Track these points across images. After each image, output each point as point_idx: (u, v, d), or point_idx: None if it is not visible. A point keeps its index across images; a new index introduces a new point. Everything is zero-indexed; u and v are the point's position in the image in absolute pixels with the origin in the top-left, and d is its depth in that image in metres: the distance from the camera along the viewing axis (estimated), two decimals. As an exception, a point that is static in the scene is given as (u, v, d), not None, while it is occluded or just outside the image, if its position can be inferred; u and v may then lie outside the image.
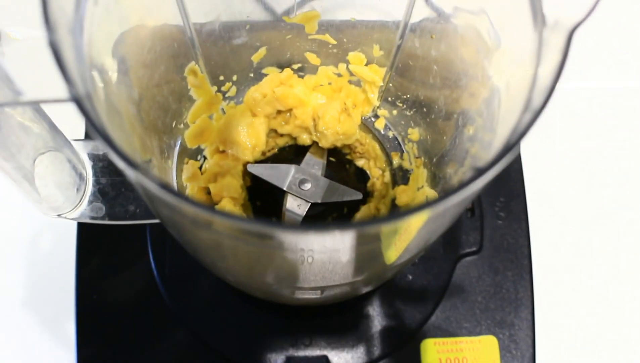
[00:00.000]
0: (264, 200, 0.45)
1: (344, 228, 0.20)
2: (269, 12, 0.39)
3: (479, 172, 0.21)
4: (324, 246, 0.22)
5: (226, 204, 0.39)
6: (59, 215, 0.37)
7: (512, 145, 0.21)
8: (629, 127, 0.53)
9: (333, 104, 0.41)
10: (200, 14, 0.36)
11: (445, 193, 0.20)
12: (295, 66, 0.42)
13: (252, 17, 0.38)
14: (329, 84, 0.43)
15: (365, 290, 0.39)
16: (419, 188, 0.41)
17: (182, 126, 0.39)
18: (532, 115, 0.21)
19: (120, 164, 0.21)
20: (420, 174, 0.41)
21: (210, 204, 0.41)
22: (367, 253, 0.26)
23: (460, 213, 0.45)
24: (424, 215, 0.21)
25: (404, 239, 0.25)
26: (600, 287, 0.48)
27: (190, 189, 0.40)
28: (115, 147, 0.20)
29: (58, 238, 0.49)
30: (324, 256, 0.25)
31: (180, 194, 0.20)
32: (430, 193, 0.38)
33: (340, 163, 0.46)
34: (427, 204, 0.20)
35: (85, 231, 0.44)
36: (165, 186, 0.20)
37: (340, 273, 0.29)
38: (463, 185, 0.21)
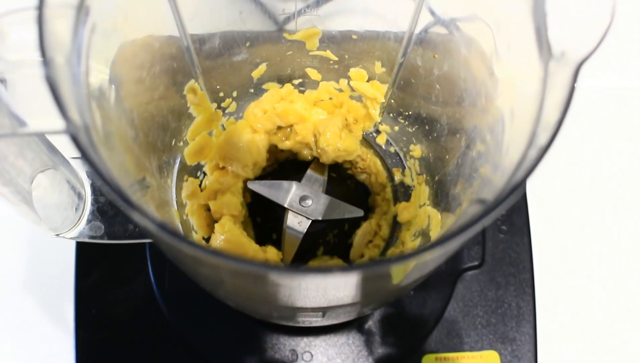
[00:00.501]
0: (264, 216, 0.44)
1: (345, 271, 0.20)
2: (269, 22, 0.38)
3: (485, 211, 0.20)
4: (325, 284, 0.22)
5: (226, 222, 0.39)
6: (57, 235, 0.37)
7: (517, 184, 0.21)
8: (635, 133, 0.53)
9: (334, 120, 0.41)
10: (197, 26, 0.35)
11: (447, 235, 0.20)
12: (296, 81, 0.42)
13: (253, 28, 0.38)
14: (330, 99, 0.42)
15: (369, 311, 0.39)
16: (421, 205, 0.41)
17: (181, 143, 0.39)
18: (538, 152, 0.21)
19: (120, 203, 0.20)
20: (422, 192, 0.41)
21: (210, 222, 0.41)
22: (371, 286, 0.25)
23: (465, 244, 0.45)
24: (426, 256, 0.21)
25: (408, 272, 0.25)
26: (604, 302, 0.48)
27: (190, 207, 0.40)
28: (114, 186, 0.20)
29: (58, 249, 0.48)
30: (326, 289, 0.25)
31: (178, 235, 0.19)
32: (432, 212, 0.38)
33: (341, 178, 0.45)
34: (431, 245, 0.20)
35: (84, 245, 0.44)
36: (164, 227, 0.20)
37: (342, 299, 0.29)
38: (468, 226, 0.20)
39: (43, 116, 0.25)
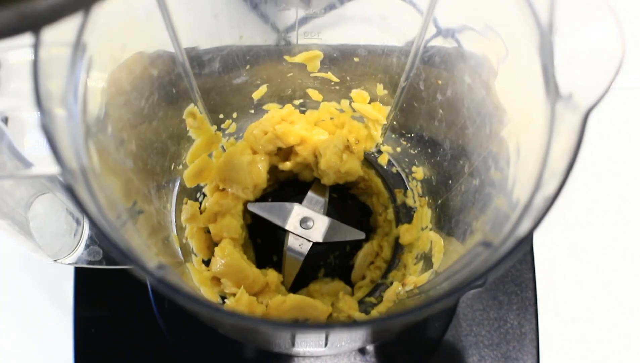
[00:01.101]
0: (265, 237, 0.44)
1: (346, 327, 0.19)
2: (270, 33, 0.37)
3: (489, 267, 0.20)
4: (329, 334, 0.22)
5: (226, 246, 0.38)
6: (55, 260, 0.37)
7: (523, 238, 0.20)
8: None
9: (335, 141, 0.40)
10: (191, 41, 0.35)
11: (453, 290, 0.20)
12: (297, 102, 0.41)
13: (253, 40, 0.37)
14: (331, 119, 0.42)
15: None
16: (423, 228, 0.40)
17: (180, 167, 0.38)
18: (546, 202, 0.21)
19: (117, 256, 0.20)
20: (424, 214, 0.40)
21: (210, 245, 0.41)
22: (375, 333, 0.25)
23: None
24: (432, 309, 0.20)
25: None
26: (608, 322, 0.47)
27: (190, 230, 0.39)
28: (114, 243, 0.19)
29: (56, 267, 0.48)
30: (329, 337, 0.24)
31: (179, 290, 0.19)
32: (435, 237, 0.37)
33: (342, 199, 0.45)
34: (438, 299, 0.20)
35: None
36: (164, 282, 0.19)
37: (344, 343, 0.29)
38: (472, 280, 0.20)
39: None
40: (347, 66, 0.38)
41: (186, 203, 0.39)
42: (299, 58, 0.37)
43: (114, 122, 0.28)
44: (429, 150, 0.38)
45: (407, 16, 0.33)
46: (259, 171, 0.40)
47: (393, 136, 0.41)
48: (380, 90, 0.38)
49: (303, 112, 0.42)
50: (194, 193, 0.41)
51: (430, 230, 0.39)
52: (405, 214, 0.43)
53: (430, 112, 0.36)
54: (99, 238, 0.20)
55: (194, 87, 0.35)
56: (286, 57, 0.37)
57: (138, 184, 0.32)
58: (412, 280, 0.37)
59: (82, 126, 0.24)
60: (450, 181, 0.36)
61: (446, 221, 0.37)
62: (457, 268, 0.28)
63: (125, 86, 0.29)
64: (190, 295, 0.19)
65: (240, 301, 0.36)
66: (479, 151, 0.32)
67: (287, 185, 0.45)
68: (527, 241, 0.20)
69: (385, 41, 0.36)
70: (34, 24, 0.16)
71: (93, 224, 0.19)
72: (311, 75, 0.39)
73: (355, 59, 0.37)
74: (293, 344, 0.29)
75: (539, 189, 0.22)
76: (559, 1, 0.22)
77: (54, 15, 0.16)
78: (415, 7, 0.32)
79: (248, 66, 0.37)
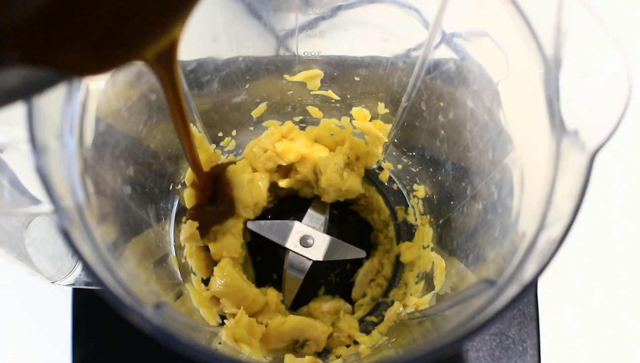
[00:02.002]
0: (265, 254, 0.43)
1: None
2: (270, 39, 0.37)
3: (492, 317, 0.19)
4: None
5: (225, 266, 0.38)
6: (53, 282, 0.36)
7: (528, 285, 0.20)
8: None
9: (335, 159, 0.40)
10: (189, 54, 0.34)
11: (456, 338, 0.19)
12: (297, 118, 0.41)
13: (253, 52, 0.36)
14: (332, 135, 0.41)
15: None
16: (425, 246, 0.40)
17: (179, 186, 0.38)
18: (551, 246, 0.20)
19: (113, 304, 0.19)
20: (425, 233, 0.40)
21: (209, 263, 0.40)
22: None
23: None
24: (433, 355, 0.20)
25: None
26: (609, 337, 0.47)
27: (189, 249, 0.39)
28: (110, 291, 0.19)
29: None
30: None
31: (178, 339, 0.19)
32: (436, 258, 0.37)
33: (343, 214, 0.44)
34: (439, 348, 0.19)
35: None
36: (161, 331, 0.19)
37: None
38: (475, 330, 0.19)
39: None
40: (348, 84, 0.37)
41: (185, 222, 0.39)
42: (298, 77, 0.37)
43: (111, 150, 0.28)
44: (431, 169, 0.38)
45: (411, 26, 0.32)
46: (259, 190, 0.40)
47: (394, 153, 0.41)
48: (382, 108, 0.38)
49: (303, 128, 0.41)
50: (193, 212, 0.40)
51: (432, 249, 0.38)
52: (406, 232, 0.42)
53: (432, 132, 0.36)
54: (95, 284, 0.19)
55: (193, 108, 0.35)
56: (286, 76, 0.37)
57: (136, 210, 0.31)
58: (413, 301, 0.36)
59: (79, 159, 0.24)
60: (452, 202, 0.36)
61: (448, 242, 0.37)
62: (459, 299, 0.28)
63: (123, 113, 0.29)
64: (190, 344, 0.19)
65: (239, 323, 0.36)
66: (482, 175, 0.32)
67: (287, 201, 0.44)
68: (532, 287, 0.20)
69: (386, 52, 0.35)
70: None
71: (88, 271, 0.19)
72: (311, 93, 0.38)
73: (356, 78, 0.36)
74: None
75: (543, 229, 0.22)
76: (565, 37, 0.22)
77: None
78: (420, 16, 0.31)
79: (247, 85, 0.36)
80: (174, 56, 0.22)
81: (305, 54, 0.35)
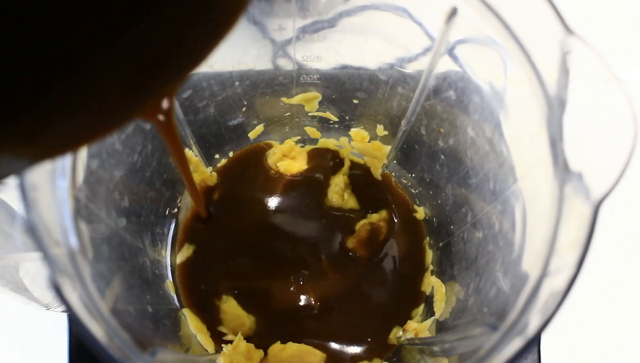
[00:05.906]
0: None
1: None
2: (268, 46, 0.36)
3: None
4: None
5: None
6: (48, 309, 0.36)
7: (530, 341, 0.19)
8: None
9: (336, 180, 0.39)
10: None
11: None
12: (295, 139, 0.40)
13: (247, 67, 0.36)
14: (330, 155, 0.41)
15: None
16: (425, 268, 0.39)
17: (175, 210, 0.37)
18: (555, 299, 0.20)
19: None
20: (425, 254, 0.39)
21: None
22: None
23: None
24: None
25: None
26: (611, 357, 0.47)
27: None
28: (101, 346, 0.18)
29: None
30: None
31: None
32: (436, 283, 0.36)
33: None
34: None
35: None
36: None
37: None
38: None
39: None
40: (346, 106, 0.37)
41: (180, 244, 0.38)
42: (296, 100, 0.36)
43: (105, 185, 0.27)
44: (430, 192, 0.37)
45: (413, 36, 0.31)
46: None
47: (394, 174, 0.40)
48: (381, 130, 0.37)
49: (302, 147, 0.41)
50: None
51: (432, 273, 0.38)
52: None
53: (432, 156, 0.35)
54: (88, 344, 0.19)
55: (188, 133, 0.34)
56: (283, 99, 0.36)
57: (132, 241, 0.31)
58: (413, 326, 0.36)
59: (71, 201, 0.23)
60: (452, 226, 0.36)
61: (448, 266, 0.36)
62: (460, 337, 0.27)
63: (116, 146, 0.28)
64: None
65: (237, 349, 0.36)
66: (482, 204, 0.31)
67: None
68: (535, 342, 0.19)
69: (387, 60, 0.34)
70: None
71: (81, 329, 0.18)
72: (309, 114, 0.38)
73: (355, 101, 0.36)
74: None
75: (546, 276, 0.21)
76: (568, 76, 0.21)
77: None
78: (424, 30, 0.31)
79: (244, 109, 0.36)
80: (170, 105, 0.22)
81: (304, 58, 0.34)
